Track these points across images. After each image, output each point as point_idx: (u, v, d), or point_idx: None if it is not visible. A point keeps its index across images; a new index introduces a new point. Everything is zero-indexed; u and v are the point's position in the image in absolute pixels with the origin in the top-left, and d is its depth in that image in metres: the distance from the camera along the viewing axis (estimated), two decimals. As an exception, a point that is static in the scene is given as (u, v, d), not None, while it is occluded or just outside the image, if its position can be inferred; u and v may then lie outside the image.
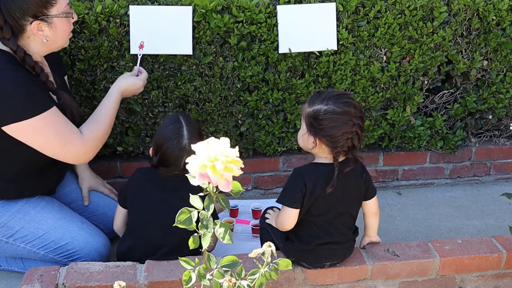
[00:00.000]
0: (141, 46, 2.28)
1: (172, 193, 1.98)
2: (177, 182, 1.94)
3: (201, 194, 1.19)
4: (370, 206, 1.98)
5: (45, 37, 1.91)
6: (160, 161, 2.01)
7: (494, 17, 2.59)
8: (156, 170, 2.04)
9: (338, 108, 1.77)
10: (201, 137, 1.99)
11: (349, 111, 1.77)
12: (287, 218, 1.86)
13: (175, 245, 1.95)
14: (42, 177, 2.12)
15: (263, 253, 1.27)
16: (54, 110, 1.91)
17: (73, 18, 2.00)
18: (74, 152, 1.98)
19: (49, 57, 2.08)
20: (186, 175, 1.16)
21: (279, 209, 1.97)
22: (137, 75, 2.21)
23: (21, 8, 1.82)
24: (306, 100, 1.88)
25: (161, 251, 1.97)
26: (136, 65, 2.27)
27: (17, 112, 1.85)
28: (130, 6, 2.32)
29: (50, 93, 1.99)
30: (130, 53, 2.36)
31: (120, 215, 2.13)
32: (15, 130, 1.87)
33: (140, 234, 2.02)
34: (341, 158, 1.83)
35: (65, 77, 2.28)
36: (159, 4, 2.36)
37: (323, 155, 1.86)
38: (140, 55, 2.29)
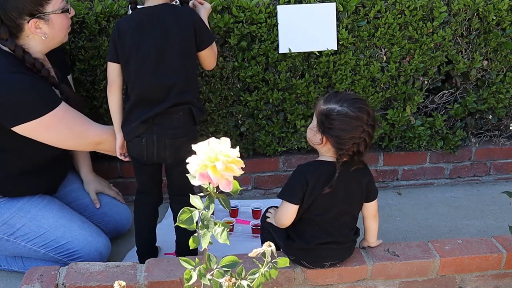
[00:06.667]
0: None
1: (162, 28, 1.87)
2: (164, 15, 1.87)
3: (201, 194, 1.20)
4: (370, 209, 1.98)
5: (43, 34, 1.93)
6: None
7: (494, 17, 2.59)
8: (140, 9, 1.92)
9: (351, 111, 1.77)
10: None
11: (362, 117, 1.78)
12: (286, 213, 1.86)
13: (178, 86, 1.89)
14: (46, 175, 2.14)
15: (263, 253, 1.27)
16: (62, 105, 1.95)
17: (70, 13, 2.01)
18: (91, 140, 2.04)
19: (53, 56, 2.08)
20: (187, 175, 1.16)
21: (280, 208, 1.98)
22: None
23: (17, 7, 1.84)
24: (323, 96, 1.88)
25: (162, 105, 1.89)
26: None
27: (26, 113, 1.87)
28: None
29: (53, 88, 2.01)
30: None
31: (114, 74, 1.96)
32: (27, 129, 1.89)
33: (139, 87, 1.92)
34: (344, 159, 1.84)
35: (69, 77, 2.29)
36: (159, 4, 2.37)
37: (328, 153, 1.86)
38: None
